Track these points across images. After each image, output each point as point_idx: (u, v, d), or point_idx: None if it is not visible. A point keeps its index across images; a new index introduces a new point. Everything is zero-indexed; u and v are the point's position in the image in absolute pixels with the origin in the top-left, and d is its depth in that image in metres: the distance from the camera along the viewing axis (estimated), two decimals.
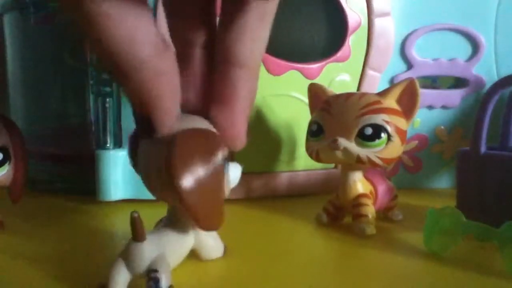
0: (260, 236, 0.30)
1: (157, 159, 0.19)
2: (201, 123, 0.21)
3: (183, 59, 0.21)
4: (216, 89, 0.21)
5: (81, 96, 0.40)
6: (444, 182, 0.44)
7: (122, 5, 0.16)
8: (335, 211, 0.32)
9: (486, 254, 0.26)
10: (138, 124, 0.20)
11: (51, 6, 0.40)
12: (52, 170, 0.42)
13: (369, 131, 0.28)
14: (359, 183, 0.30)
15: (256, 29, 0.19)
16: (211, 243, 0.24)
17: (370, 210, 0.29)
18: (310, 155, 0.31)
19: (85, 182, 0.39)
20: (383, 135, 0.28)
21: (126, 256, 0.20)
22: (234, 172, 0.23)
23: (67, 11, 0.16)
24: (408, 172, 0.43)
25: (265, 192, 0.40)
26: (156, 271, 0.19)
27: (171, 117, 0.19)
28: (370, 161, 0.28)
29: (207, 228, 0.21)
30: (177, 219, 0.22)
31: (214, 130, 0.21)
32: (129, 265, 0.20)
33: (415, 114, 0.29)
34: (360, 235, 0.29)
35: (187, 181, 0.18)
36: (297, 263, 0.25)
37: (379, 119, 0.28)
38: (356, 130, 0.28)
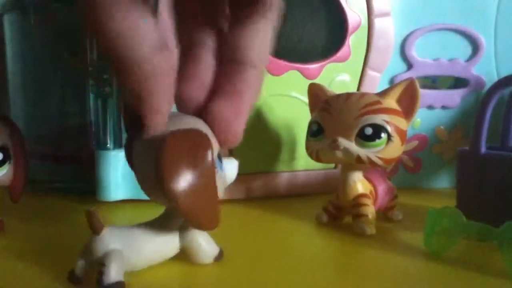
0: (260, 236, 0.30)
1: (149, 162, 0.19)
2: (194, 123, 0.21)
3: (190, 58, 0.22)
4: (224, 86, 0.21)
5: (81, 96, 0.40)
6: (444, 182, 0.44)
7: (125, 3, 0.17)
8: (335, 211, 0.32)
9: (486, 254, 0.26)
10: (128, 124, 0.20)
11: (51, 6, 0.40)
12: (52, 170, 0.42)
13: (369, 131, 0.28)
14: (359, 183, 0.30)
15: (264, 34, 0.21)
16: (202, 247, 0.23)
17: (370, 210, 0.29)
18: (310, 155, 0.31)
19: (85, 182, 0.39)
20: (383, 135, 0.28)
21: (85, 246, 0.21)
22: (230, 168, 0.23)
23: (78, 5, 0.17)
24: (408, 172, 0.43)
25: (265, 192, 0.40)
26: (103, 264, 0.20)
27: (161, 117, 0.19)
28: (370, 161, 0.28)
29: (203, 228, 0.22)
30: (166, 219, 0.23)
31: (207, 130, 0.21)
32: (86, 255, 0.21)
33: (415, 114, 0.29)
34: (360, 235, 0.29)
35: (178, 184, 0.19)
36: (297, 263, 0.25)
37: (379, 119, 0.28)
38: (356, 130, 0.28)
